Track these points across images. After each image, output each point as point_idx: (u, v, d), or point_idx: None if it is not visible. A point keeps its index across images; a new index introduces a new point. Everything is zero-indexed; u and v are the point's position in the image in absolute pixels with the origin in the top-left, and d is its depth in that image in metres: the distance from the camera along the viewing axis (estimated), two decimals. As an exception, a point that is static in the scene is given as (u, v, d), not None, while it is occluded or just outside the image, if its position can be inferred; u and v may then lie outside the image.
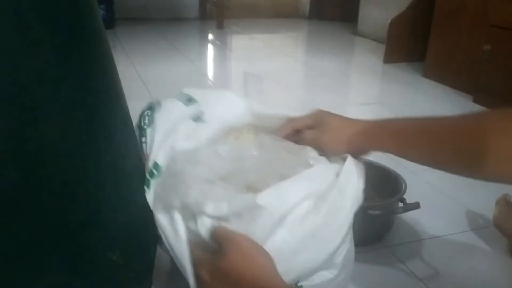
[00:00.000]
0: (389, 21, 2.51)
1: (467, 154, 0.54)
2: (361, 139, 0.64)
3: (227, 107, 0.72)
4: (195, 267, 0.54)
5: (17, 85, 0.43)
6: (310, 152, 0.65)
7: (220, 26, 3.28)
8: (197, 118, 0.69)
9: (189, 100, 0.72)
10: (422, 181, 1.21)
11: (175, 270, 0.82)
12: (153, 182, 0.61)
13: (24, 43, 0.43)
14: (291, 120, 0.70)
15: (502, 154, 0.50)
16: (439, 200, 1.16)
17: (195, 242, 0.55)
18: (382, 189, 0.99)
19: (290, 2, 4.01)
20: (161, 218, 0.58)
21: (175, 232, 0.56)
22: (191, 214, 0.56)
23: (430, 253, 0.94)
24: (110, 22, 3.04)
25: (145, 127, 0.69)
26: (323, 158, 0.65)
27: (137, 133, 0.70)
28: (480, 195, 1.15)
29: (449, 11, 2.13)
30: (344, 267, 0.61)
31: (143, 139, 0.68)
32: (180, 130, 0.66)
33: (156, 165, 0.63)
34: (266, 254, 0.53)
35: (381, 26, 2.84)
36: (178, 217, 0.56)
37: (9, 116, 0.43)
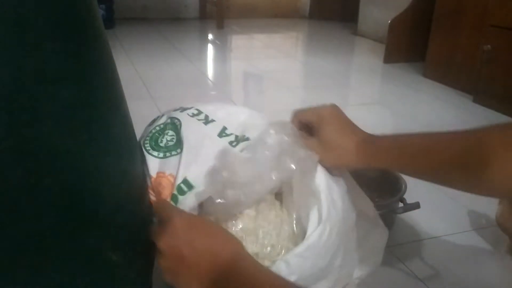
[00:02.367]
0: (389, 21, 2.51)
1: (471, 173, 0.55)
2: (370, 154, 0.63)
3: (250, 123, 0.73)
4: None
5: (17, 85, 0.43)
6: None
7: (220, 26, 3.28)
8: (222, 134, 0.70)
9: (206, 119, 0.73)
10: (422, 181, 1.21)
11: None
12: (181, 199, 0.62)
13: (24, 43, 0.43)
14: (297, 113, 0.68)
15: (505, 171, 0.50)
16: (439, 200, 1.16)
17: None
18: (382, 189, 0.99)
19: (290, 2, 4.01)
20: None
21: None
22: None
23: (430, 253, 0.94)
24: (110, 22, 3.04)
25: (162, 145, 0.69)
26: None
27: (147, 147, 0.70)
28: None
29: (449, 11, 2.13)
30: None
31: (157, 154, 0.68)
32: (211, 149, 0.67)
33: (186, 182, 0.63)
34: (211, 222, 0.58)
35: (381, 26, 2.84)
36: None
37: (9, 116, 0.43)
